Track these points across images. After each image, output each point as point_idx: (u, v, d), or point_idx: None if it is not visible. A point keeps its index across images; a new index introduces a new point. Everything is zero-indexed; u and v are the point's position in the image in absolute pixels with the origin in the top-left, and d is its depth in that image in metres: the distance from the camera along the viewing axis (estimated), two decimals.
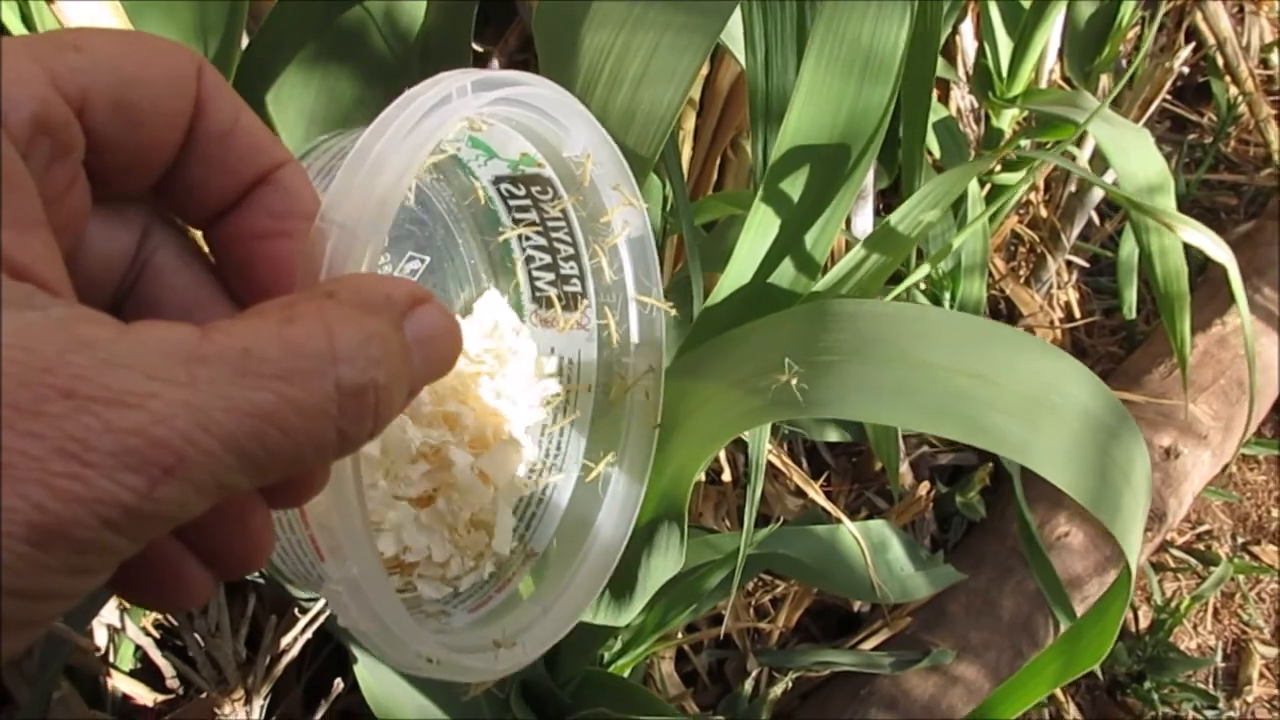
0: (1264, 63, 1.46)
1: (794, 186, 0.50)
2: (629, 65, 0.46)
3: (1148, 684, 1.03)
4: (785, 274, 0.51)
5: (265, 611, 0.64)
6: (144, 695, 0.67)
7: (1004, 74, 0.90)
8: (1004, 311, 1.17)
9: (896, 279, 0.63)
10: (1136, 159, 0.71)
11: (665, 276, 0.75)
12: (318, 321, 0.20)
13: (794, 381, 0.41)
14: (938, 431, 0.43)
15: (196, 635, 0.62)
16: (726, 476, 0.87)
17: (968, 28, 1.02)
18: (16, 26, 0.51)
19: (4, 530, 0.17)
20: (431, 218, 0.43)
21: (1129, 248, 1.23)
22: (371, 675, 0.58)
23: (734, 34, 0.58)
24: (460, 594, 0.41)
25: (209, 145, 0.24)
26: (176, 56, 0.23)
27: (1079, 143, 1.03)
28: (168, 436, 0.18)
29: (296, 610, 0.62)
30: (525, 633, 0.40)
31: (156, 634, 0.68)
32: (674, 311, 0.43)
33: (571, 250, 0.43)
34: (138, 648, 0.68)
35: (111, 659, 0.67)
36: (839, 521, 0.75)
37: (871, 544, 0.78)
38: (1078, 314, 1.22)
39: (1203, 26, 1.30)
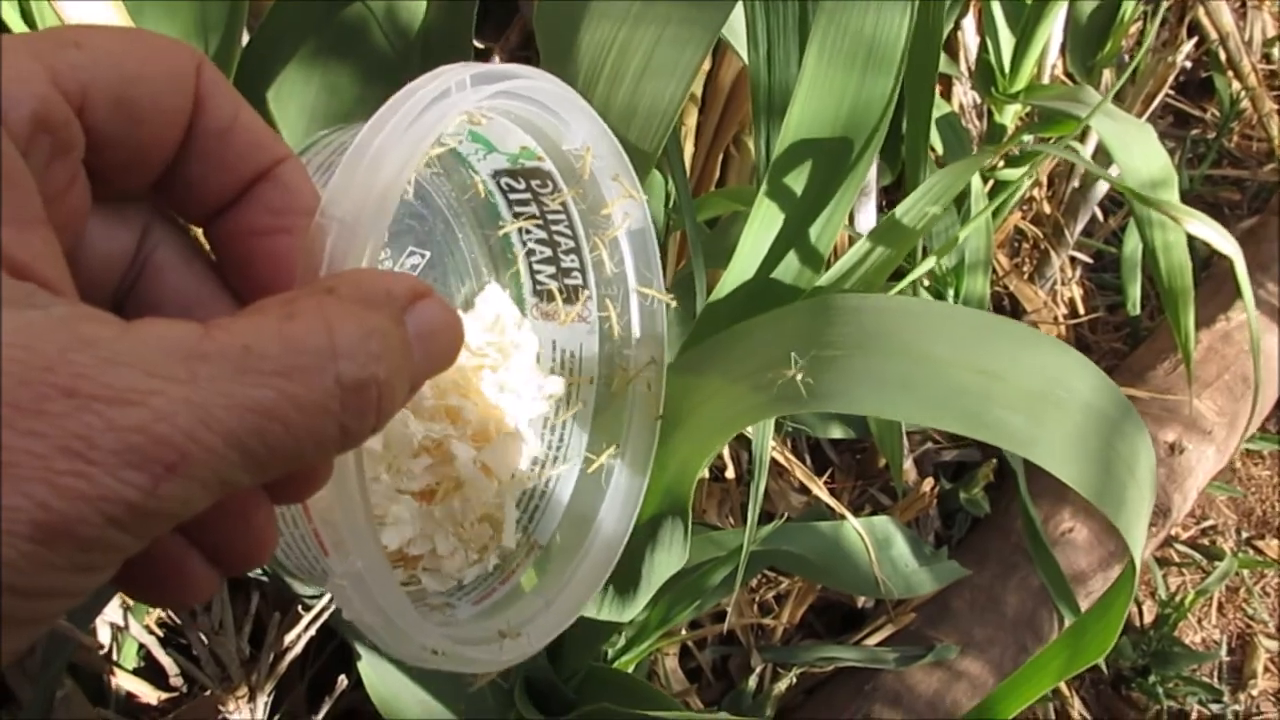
0: (1266, 58, 1.46)
1: (797, 180, 0.50)
2: (630, 60, 0.46)
3: (1152, 678, 1.03)
4: (789, 269, 0.51)
5: (269, 609, 0.64)
6: (148, 693, 0.67)
7: (1006, 69, 0.90)
8: (1008, 308, 1.17)
9: (899, 275, 0.63)
10: (1139, 154, 0.71)
11: (668, 273, 0.75)
12: (318, 317, 0.20)
13: (800, 376, 0.41)
14: (942, 425, 0.43)
15: (200, 633, 0.62)
16: (730, 473, 0.87)
17: (970, 23, 1.02)
18: (16, 23, 0.51)
19: (7, 529, 0.17)
20: (431, 212, 0.43)
21: (1133, 243, 1.23)
22: (375, 672, 0.58)
23: (736, 29, 0.58)
24: (464, 586, 0.41)
25: (209, 142, 0.24)
26: (176, 54, 0.23)
27: (1082, 138, 1.03)
28: (170, 434, 0.18)
29: (300, 607, 0.62)
30: (529, 624, 0.40)
31: (160, 632, 0.68)
32: (674, 304, 0.43)
33: (572, 243, 0.43)
34: (141, 645, 0.68)
35: (115, 657, 0.67)
36: (843, 518, 0.75)
37: (875, 540, 0.78)
38: (1081, 310, 1.22)
39: (1205, 21, 1.30)
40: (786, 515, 0.78)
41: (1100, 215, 1.29)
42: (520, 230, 0.43)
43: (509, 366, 0.43)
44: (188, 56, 0.23)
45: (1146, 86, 1.08)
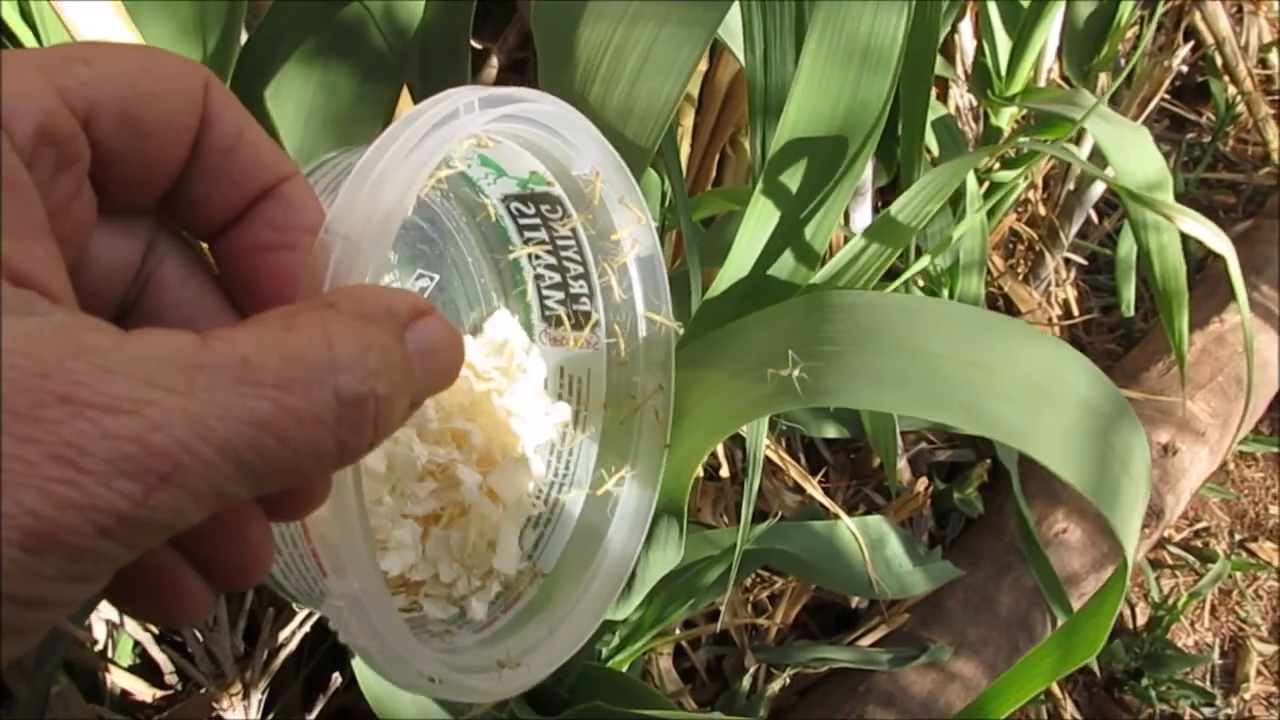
0: (1262, 62, 1.46)
1: (793, 178, 0.50)
2: (628, 59, 0.46)
3: (1145, 681, 1.03)
4: (785, 266, 0.51)
5: (263, 606, 0.64)
6: (142, 690, 0.67)
7: (1003, 72, 0.90)
8: (1002, 309, 1.17)
9: (894, 275, 0.63)
10: (1135, 157, 0.71)
11: None
12: (318, 331, 0.20)
13: (796, 372, 0.41)
14: (937, 419, 0.43)
15: (195, 630, 0.62)
16: (724, 472, 0.87)
17: (966, 26, 1.02)
18: (16, 22, 0.51)
19: None
20: (441, 236, 0.43)
21: (1127, 245, 1.23)
22: (369, 670, 0.58)
23: (733, 30, 0.58)
24: (466, 614, 0.41)
25: (215, 159, 0.24)
26: (184, 71, 0.23)
27: (1077, 142, 1.04)
28: (165, 444, 0.18)
29: (294, 605, 0.63)
30: (531, 653, 0.40)
31: (155, 629, 0.68)
32: (681, 330, 0.43)
33: (581, 269, 0.43)
34: (136, 643, 0.68)
35: (110, 654, 0.67)
36: (837, 517, 0.75)
37: (869, 540, 0.79)
38: (1076, 311, 1.23)
39: (1201, 26, 1.30)
40: (781, 514, 0.79)
41: (1095, 217, 1.29)
42: (529, 255, 0.43)
43: (516, 391, 0.43)
44: (196, 74, 0.23)
45: (1142, 90, 1.08)
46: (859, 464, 1.02)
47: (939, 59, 0.79)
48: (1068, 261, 1.24)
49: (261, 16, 0.54)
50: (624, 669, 0.70)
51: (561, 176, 0.39)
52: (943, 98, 1.05)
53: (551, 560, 0.44)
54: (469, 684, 0.35)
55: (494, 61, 0.91)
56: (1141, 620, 1.09)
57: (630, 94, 0.46)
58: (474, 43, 0.86)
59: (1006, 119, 0.94)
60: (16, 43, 0.52)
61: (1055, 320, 1.18)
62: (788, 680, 0.86)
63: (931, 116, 0.90)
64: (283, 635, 0.62)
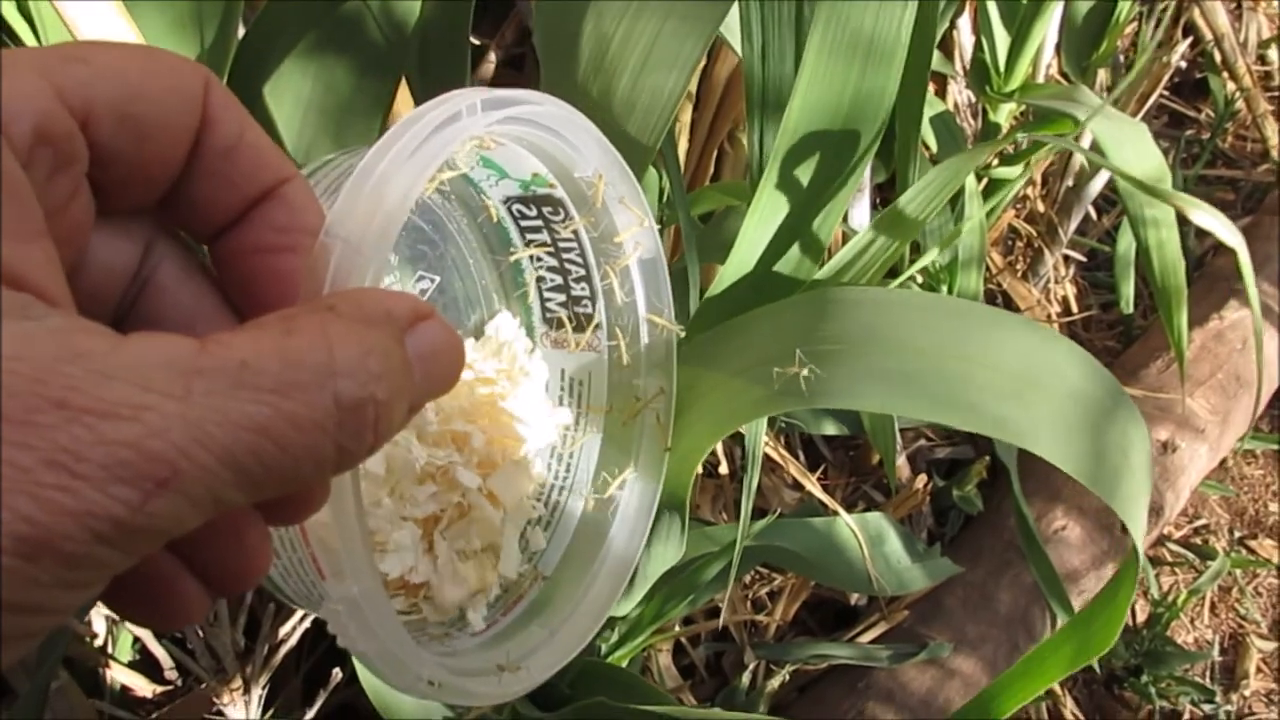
0: (1261, 59, 1.46)
1: (800, 172, 0.50)
2: (630, 53, 0.46)
3: (1145, 678, 1.03)
4: (790, 261, 0.51)
5: (263, 602, 0.64)
6: (143, 686, 0.67)
7: (1001, 69, 0.90)
8: (1001, 305, 1.17)
9: (893, 273, 0.63)
10: (1134, 153, 0.71)
11: None
12: (318, 334, 0.20)
13: (803, 372, 0.41)
14: (941, 419, 0.43)
15: (195, 626, 0.62)
16: (724, 469, 0.87)
17: (965, 22, 1.02)
18: (16, 21, 0.51)
19: None
20: (443, 238, 0.43)
21: (1126, 242, 1.23)
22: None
23: (731, 24, 0.58)
24: (466, 616, 0.41)
25: (214, 160, 0.24)
26: (184, 71, 0.23)
27: (1076, 138, 1.03)
28: (162, 449, 0.17)
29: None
30: (531, 656, 0.39)
31: None
32: (684, 333, 0.43)
33: (583, 271, 0.42)
34: (136, 638, 0.68)
35: (110, 650, 0.67)
36: (836, 514, 0.75)
37: (869, 537, 0.79)
38: (1075, 308, 1.23)
39: (1200, 22, 1.30)
40: (780, 511, 0.79)
41: (1094, 214, 1.29)
42: (531, 257, 0.43)
43: (518, 394, 0.42)
44: (196, 74, 0.23)
45: (1141, 86, 1.08)
46: (858, 461, 1.02)
47: (937, 55, 0.79)
48: (1066, 258, 1.23)
49: (259, 11, 0.54)
50: (624, 665, 0.70)
51: (564, 178, 0.39)
52: (941, 94, 1.05)
53: (552, 563, 0.44)
54: (469, 688, 0.35)
55: (491, 57, 0.91)
56: (1141, 617, 1.09)
57: (634, 89, 0.46)
58: (472, 39, 0.86)
59: (1005, 115, 0.94)
60: (16, 41, 0.52)
61: (1054, 317, 1.18)
62: (787, 677, 0.86)
63: (930, 113, 0.90)
64: (283, 631, 0.62)
